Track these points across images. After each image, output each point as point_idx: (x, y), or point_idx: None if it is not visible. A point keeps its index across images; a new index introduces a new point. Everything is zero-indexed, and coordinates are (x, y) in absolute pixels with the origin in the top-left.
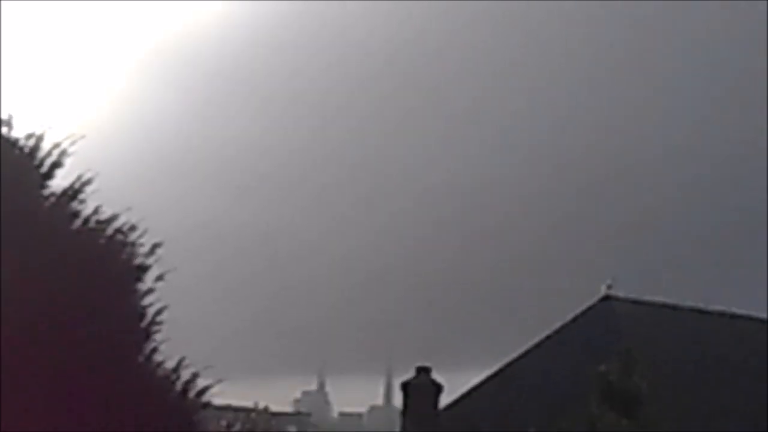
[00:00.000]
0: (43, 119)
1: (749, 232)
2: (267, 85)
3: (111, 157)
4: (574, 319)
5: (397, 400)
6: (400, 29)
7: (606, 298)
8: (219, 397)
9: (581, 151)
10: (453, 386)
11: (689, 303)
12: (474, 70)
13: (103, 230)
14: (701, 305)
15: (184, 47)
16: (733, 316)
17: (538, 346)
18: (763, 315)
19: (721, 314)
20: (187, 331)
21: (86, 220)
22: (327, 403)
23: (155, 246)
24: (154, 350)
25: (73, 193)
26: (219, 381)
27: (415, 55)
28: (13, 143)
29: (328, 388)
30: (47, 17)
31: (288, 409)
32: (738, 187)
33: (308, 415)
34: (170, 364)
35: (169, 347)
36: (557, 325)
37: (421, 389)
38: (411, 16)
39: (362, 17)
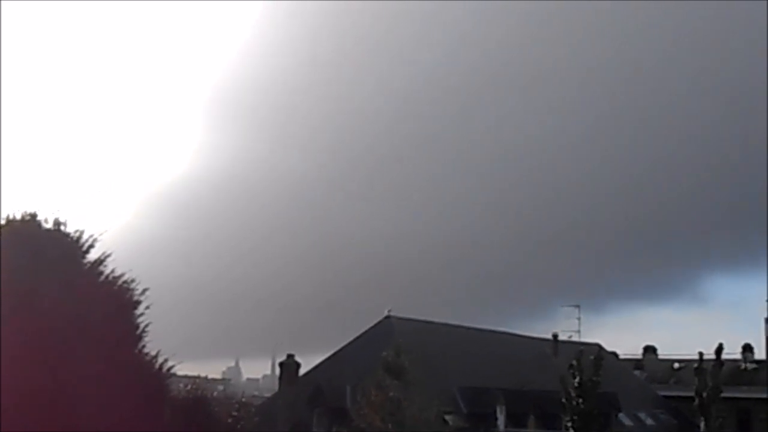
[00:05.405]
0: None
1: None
2: None
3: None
4: (371, 329)
5: (277, 371)
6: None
7: (388, 317)
8: (179, 370)
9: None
10: (306, 364)
11: (442, 321)
12: None
13: (116, 281)
14: (452, 322)
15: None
16: (470, 328)
17: (350, 342)
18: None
19: (458, 326)
20: (160, 334)
21: (107, 276)
22: (240, 373)
23: (144, 290)
24: (144, 345)
25: (100, 261)
26: (179, 362)
27: None
28: (66, 234)
29: (241, 364)
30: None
31: (219, 376)
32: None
33: (229, 379)
34: (152, 353)
35: (151, 344)
36: (361, 331)
37: (289, 366)
38: None
39: None
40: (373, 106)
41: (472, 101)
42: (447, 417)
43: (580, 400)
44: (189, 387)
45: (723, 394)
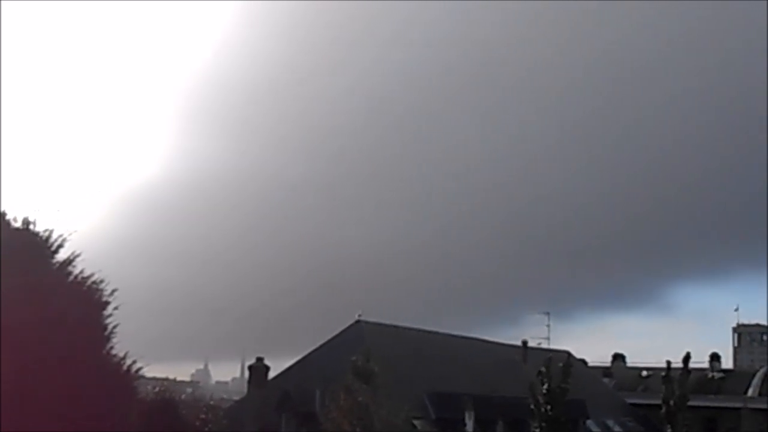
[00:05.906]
0: (51, 218)
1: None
2: None
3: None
4: (341, 333)
5: (246, 374)
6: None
7: (358, 322)
8: (147, 372)
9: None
10: (276, 367)
11: (413, 326)
12: None
13: (85, 281)
14: (422, 328)
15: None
16: (440, 334)
17: (320, 346)
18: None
19: (428, 332)
20: (129, 335)
21: (76, 276)
22: (209, 375)
23: (113, 290)
24: (112, 346)
25: (69, 261)
26: (148, 364)
27: None
28: (35, 234)
29: (210, 367)
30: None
31: (187, 378)
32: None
33: (198, 382)
34: (120, 354)
35: (120, 345)
36: (331, 335)
37: (258, 369)
38: None
39: None
40: (349, 108)
41: (448, 109)
42: (416, 422)
43: (549, 407)
44: (157, 389)
45: (690, 403)
